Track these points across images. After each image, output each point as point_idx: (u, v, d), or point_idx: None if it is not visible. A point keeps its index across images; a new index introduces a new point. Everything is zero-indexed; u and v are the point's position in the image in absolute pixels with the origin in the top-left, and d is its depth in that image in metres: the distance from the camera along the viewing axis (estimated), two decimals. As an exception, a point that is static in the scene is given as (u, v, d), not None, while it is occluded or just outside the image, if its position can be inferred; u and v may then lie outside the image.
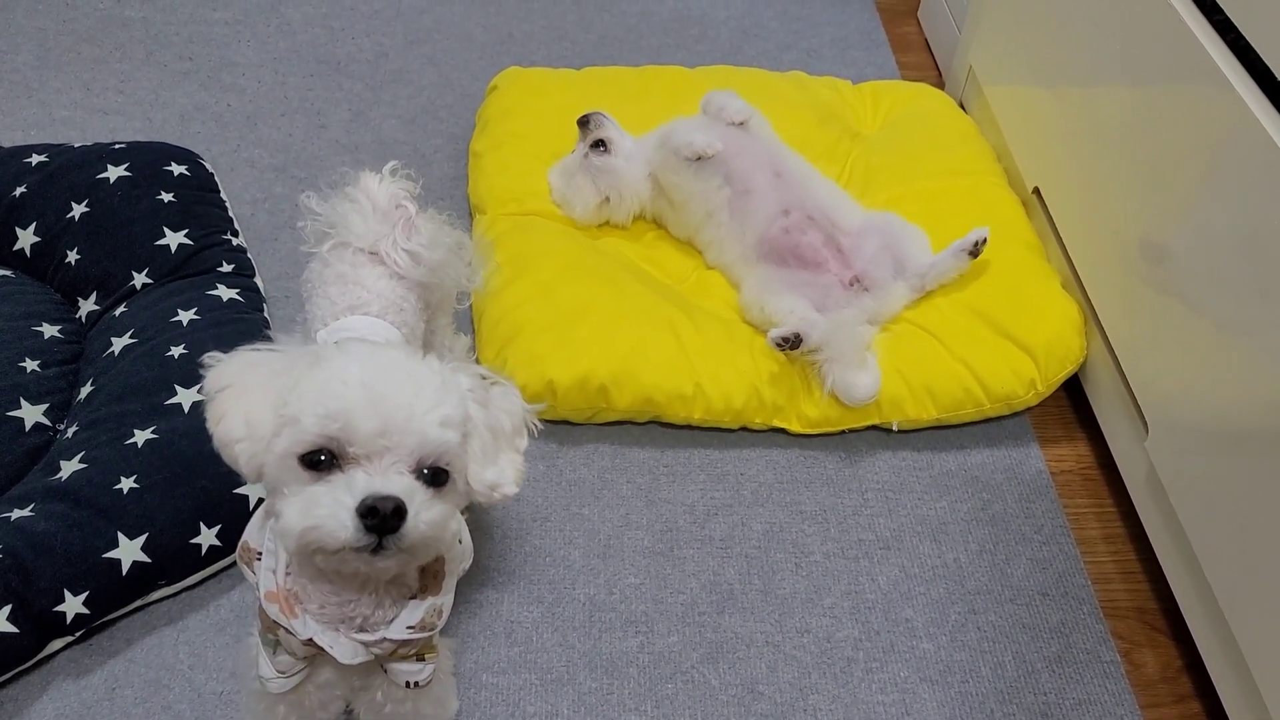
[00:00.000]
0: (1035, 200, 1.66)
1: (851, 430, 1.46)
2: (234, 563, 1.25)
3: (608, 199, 1.60)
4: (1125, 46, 1.40)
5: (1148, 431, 1.32)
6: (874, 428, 1.47)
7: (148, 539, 1.17)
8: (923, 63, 2.20)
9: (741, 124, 1.59)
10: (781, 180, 1.56)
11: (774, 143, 1.63)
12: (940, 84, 2.11)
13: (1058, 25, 1.59)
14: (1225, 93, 1.17)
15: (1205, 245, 1.23)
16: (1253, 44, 1.15)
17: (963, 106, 1.94)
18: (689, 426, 1.45)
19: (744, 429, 1.46)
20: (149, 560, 1.17)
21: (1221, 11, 1.21)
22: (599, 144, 1.60)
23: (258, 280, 1.54)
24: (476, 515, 1.34)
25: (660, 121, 1.67)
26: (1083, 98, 1.53)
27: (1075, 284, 1.53)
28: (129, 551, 1.16)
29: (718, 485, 1.40)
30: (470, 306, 1.55)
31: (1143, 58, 1.36)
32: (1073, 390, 1.54)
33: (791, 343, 1.37)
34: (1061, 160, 1.59)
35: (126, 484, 1.20)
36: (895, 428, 1.45)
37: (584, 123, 1.61)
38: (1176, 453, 1.27)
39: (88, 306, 1.47)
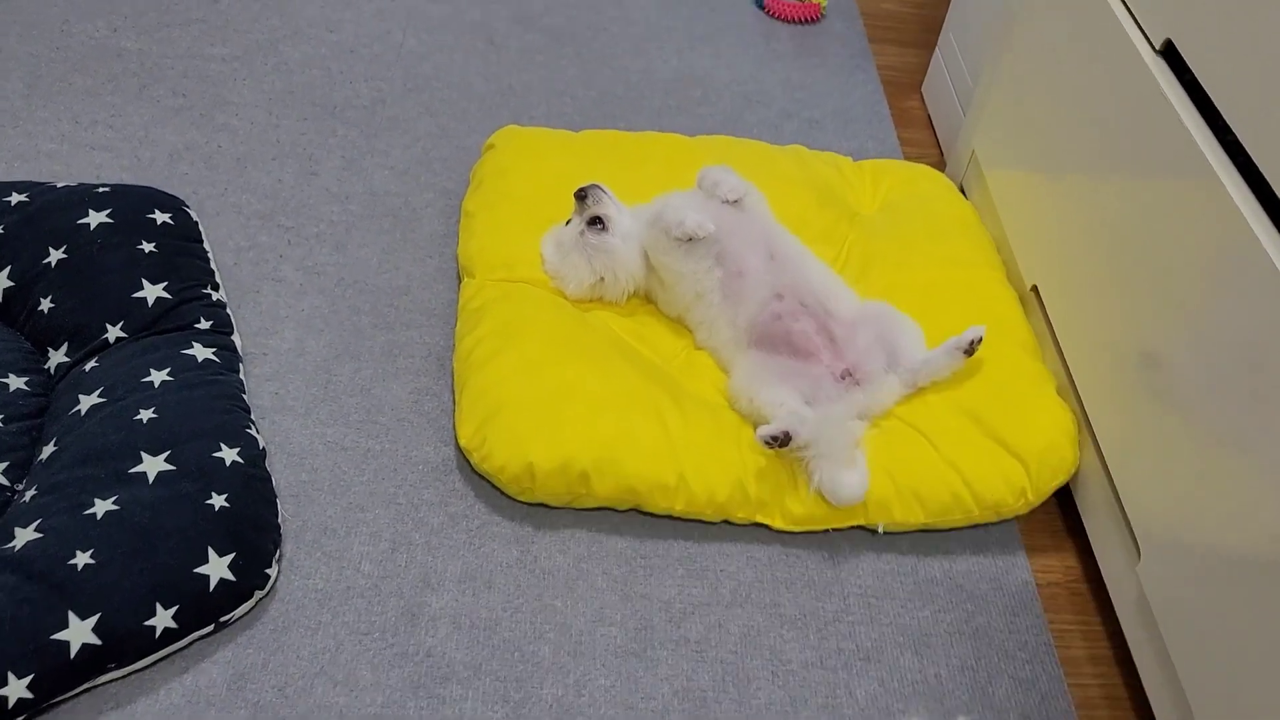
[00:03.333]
0: (1033, 297, 1.63)
1: (835, 529, 1.42)
2: (189, 645, 1.21)
3: (602, 279, 1.57)
4: (1128, 147, 1.38)
5: (1140, 553, 1.29)
6: (859, 527, 1.43)
7: (100, 619, 1.12)
8: (924, 140, 2.18)
9: (735, 202, 1.56)
10: (775, 263, 1.53)
11: (769, 222, 1.61)
12: (941, 162, 2.10)
13: (1063, 119, 1.57)
14: (1223, 203, 1.15)
15: (1203, 357, 1.20)
16: (1253, 157, 1.13)
17: (963, 190, 1.92)
18: (670, 516, 1.41)
19: (726, 521, 1.42)
20: (99, 643, 1.12)
21: (1222, 118, 1.19)
22: (596, 221, 1.56)
23: (235, 338, 1.50)
24: (444, 600, 1.30)
25: (657, 191, 1.64)
26: (1084, 196, 1.51)
27: (1070, 388, 1.50)
28: (79, 633, 1.11)
29: (696, 581, 1.36)
30: (452, 372, 1.51)
31: (1144, 160, 1.34)
32: (1063, 498, 1.51)
33: (780, 441, 1.33)
34: (1061, 259, 1.57)
35: (82, 559, 1.15)
36: (881, 530, 1.41)
37: (581, 196, 1.58)
38: (1169, 580, 1.23)
39: (58, 358, 1.42)
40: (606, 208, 1.56)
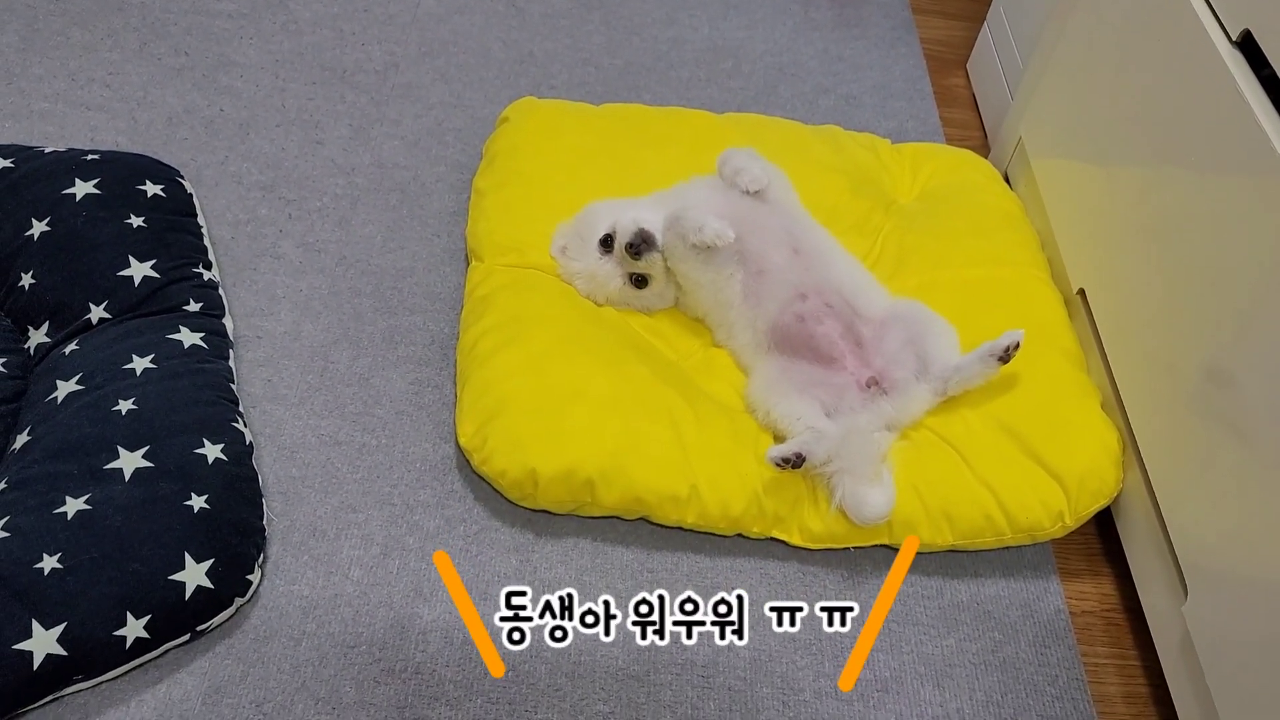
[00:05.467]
0: (1079, 301, 1.52)
1: (857, 547, 1.33)
2: (161, 655, 1.14)
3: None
4: (1194, 142, 1.26)
5: (1186, 591, 1.19)
6: (883, 545, 1.34)
7: (65, 629, 1.06)
8: (968, 120, 2.05)
9: (758, 193, 1.44)
10: (800, 259, 1.42)
11: (794, 214, 1.49)
12: (985, 147, 1.97)
13: (1121, 108, 1.45)
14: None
15: (1268, 375, 1.10)
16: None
17: (1008, 179, 1.80)
18: (680, 528, 1.33)
19: (740, 536, 1.33)
20: (65, 654, 1.05)
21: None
22: (642, 280, 1.46)
23: (226, 321, 1.42)
24: (436, 612, 1.22)
25: (680, 174, 1.54)
26: (1141, 192, 1.39)
27: (1116, 403, 1.40)
28: (42, 643, 1.04)
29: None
30: (455, 365, 1.43)
31: (1212, 157, 1.23)
32: (1102, 519, 1.41)
33: (793, 463, 1.24)
34: (1111, 260, 1.45)
35: (49, 563, 1.08)
36: (906, 550, 1.32)
37: (635, 253, 1.41)
38: (1218, 623, 1.14)
39: (38, 337, 1.34)
40: (656, 267, 1.44)
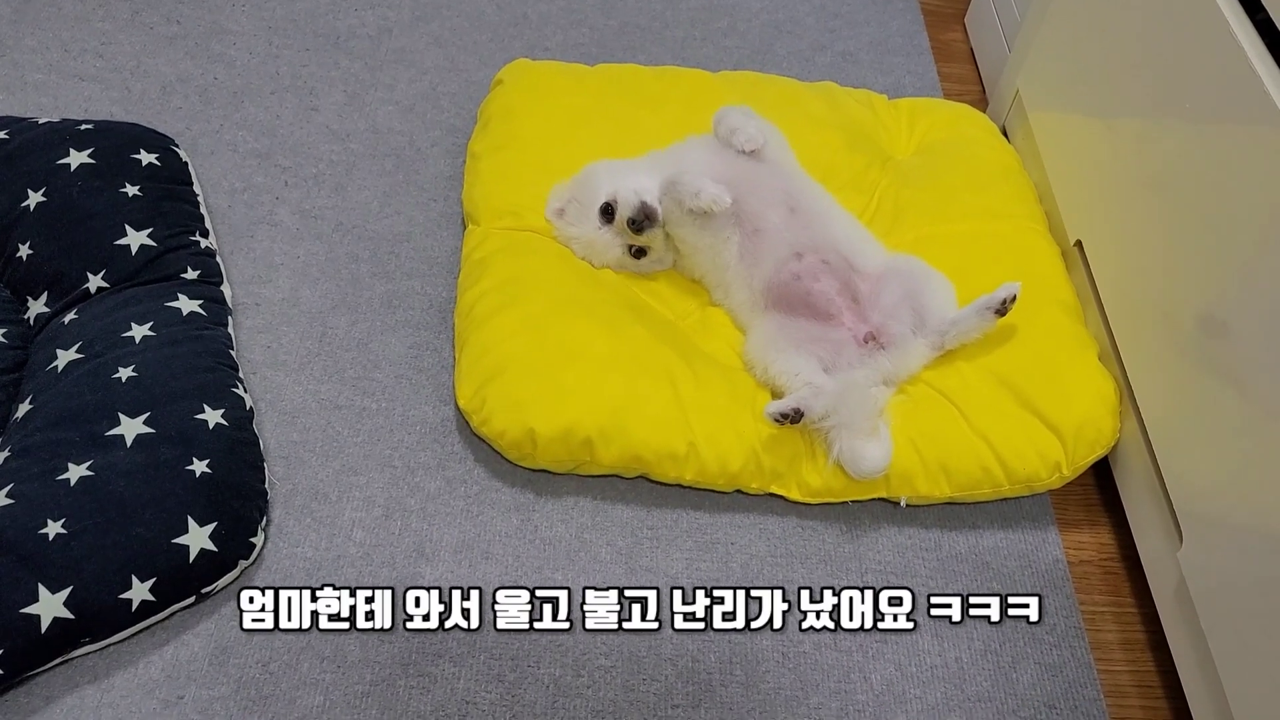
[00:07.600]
0: (1076, 253, 1.52)
1: (855, 502, 1.34)
2: (168, 617, 1.15)
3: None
4: (1190, 91, 1.26)
5: (1181, 537, 1.20)
6: (880, 499, 1.35)
7: (71, 593, 1.07)
8: (966, 75, 2.04)
9: (753, 152, 1.44)
10: (796, 217, 1.42)
11: (790, 172, 1.49)
12: (983, 100, 1.96)
13: (1117, 58, 1.44)
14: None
15: (1264, 324, 1.10)
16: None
17: (1005, 133, 1.79)
18: (679, 485, 1.33)
19: (739, 492, 1.34)
20: (72, 616, 1.07)
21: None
22: (641, 250, 1.46)
23: (225, 288, 1.42)
24: (438, 572, 1.23)
25: (676, 134, 1.54)
26: (1137, 143, 1.39)
27: (1113, 354, 1.40)
28: (49, 607, 1.06)
29: (705, 555, 1.29)
30: (453, 328, 1.43)
31: (1208, 106, 1.22)
32: (1099, 468, 1.41)
33: (791, 418, 1.24)
34: (1109, 211, 1.45)
35: (53, 529, 1.09)
36: (904, 504, 1.33)
37: (637, 228, 1.40)
38: (1212, 568, 1.15)
39: (37, 308, 1.35)
40: (656, 240, 1.44)
